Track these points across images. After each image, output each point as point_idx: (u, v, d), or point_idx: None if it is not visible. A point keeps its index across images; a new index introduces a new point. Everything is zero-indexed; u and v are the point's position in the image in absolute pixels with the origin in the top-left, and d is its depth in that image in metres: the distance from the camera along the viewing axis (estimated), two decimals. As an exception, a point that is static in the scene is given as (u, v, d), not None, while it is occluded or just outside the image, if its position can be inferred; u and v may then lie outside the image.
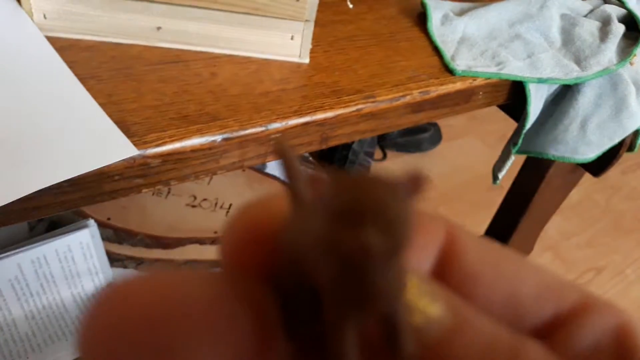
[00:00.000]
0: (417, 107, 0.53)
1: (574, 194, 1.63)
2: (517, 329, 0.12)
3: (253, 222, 0.11)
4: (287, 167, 0.10)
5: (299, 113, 0.47)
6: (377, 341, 0.10)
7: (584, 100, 0.63)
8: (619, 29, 0.66)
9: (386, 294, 0.09)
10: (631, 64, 0.64)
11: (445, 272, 0.13)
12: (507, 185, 0.91)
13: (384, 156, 1.58)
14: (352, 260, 0.09)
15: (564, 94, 0.65)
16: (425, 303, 0.10)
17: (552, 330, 0.13)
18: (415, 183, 0.09)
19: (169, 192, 0.77)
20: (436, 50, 0.59)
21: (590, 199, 1.62)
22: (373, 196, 0.08)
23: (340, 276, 0.09)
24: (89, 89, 0.43)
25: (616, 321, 0.12)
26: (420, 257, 0.13)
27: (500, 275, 0.13)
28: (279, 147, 0.10)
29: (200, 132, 0.43)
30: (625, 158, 1.74)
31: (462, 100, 0.58)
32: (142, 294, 0.09)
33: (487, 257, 0.13)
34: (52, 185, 0.37)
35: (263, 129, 0.45)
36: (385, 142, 1.59)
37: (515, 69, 0.59)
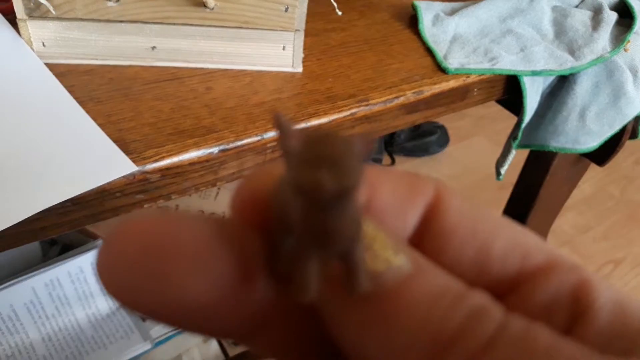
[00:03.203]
0: (411, 107, 0.54)
1: (588, 187, 1.62)
2: (481, 283, 0.13)
3: (254, 184, 0.13)
4: (282, 132, 0.11)
5: (294, 120, 0.48)
6: (337, 279, 0.12)
7: (581, 89, 0.64)
8: (611, 16, 0.66)
9: (342, 231, 0.11)
10: (625, 50, 0.65)
11: (427, 226, 0.14)
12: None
13: (393, 162, 1.59)
14: (310, 197, 0.10)
15: (561, 85, 0.65)
16: (388, 253, 0.12)
17: (514, 287, 0.13)
18: (366, 141, 0.11)
19: (177, 210, 0.79)
20: (429, 51, 0.60)
21: (604, 191, 1.61)
22: (330, 147, 0.10)
23: (303, 214, 0.11)
24: (88, 111, 0.45)
25: (576, 279, 0.13)
26: (408, 211, 0.14)
27: (475, 231, 0.14)
28: (277, 118, 0.11)
29: (197, 146, 0.44)
30: (639, 147, 1.73)
31: (458, 98, 0.58)
32: (145, 230, 0.11)
33: (467, 214, 0.14)
34: (56, 205, 0.38)
35: (259, 138, 0.46)
36: (392, 147, 1.59)
37: (508, 63, 0.60)
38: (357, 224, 0.11)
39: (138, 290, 0.11)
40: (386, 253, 0.12)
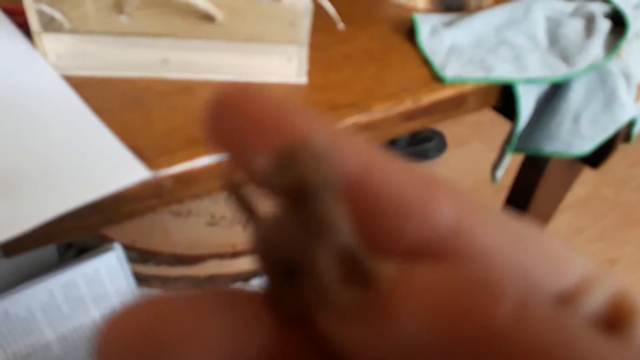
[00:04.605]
0: (410, 115, 0.56)
1: (582, 189, 1.65)
2: None
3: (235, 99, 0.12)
4: (238, 197, 0.12)
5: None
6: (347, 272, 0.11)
7: (575, 96, 0.66)
8: (604, 24, 0.69)
9: (336, 222, 0.11)
10: (619, 56, 0.67)
11: (456, 244, 0.13)
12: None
13: (393, 167, 1.60)
14: (298, 196, 0.11)
15: (555, 92, 0.68)
16: (370, 261, 0.12)
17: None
18: (324, 134, 0.11)
19: (189, 214, 0.81)
20: (426, 62, 0.63)
21: (599, 193, 1.63)
22: (297, 151, 0.11)
23: (299, 220, 0.11)
24: (103, 121, 0.47)
25: (612, 292, 0.13)
26: (425, 221, 0.13)
27: (510, 251, 0.13)
28: (229, 182, 0.12)
29: (208, 152, 0.46)
30: (632, 151, 1.76)
31: (454, 106, 0.61)
32: (143, 315, 0.12)
33: (500, 233, 0.13)
34: (73, 209, 0.40)
35: (266, 145, 0.48)
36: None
37: (503, 71, 0.62)
38: (346, 218, 0.11)
39: None
40: (367, 261, 0.11)
